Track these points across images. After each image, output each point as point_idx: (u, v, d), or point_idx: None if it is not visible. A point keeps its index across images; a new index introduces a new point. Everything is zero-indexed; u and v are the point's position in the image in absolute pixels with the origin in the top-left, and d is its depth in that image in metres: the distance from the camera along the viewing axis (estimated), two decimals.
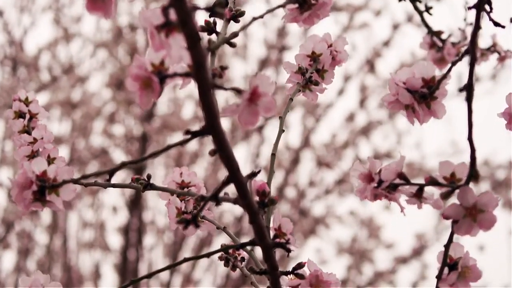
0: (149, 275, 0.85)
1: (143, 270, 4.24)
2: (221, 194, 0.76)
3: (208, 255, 0.84)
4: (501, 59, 1.35)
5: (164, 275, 4.22)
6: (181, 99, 4.11)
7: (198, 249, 4.19)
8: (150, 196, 4.24)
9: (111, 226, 4.30)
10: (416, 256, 4.35)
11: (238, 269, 1.01)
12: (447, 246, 0.81)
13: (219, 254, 1.03)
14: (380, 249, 4.42)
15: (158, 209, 4.33)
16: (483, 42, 1.36)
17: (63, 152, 4.02)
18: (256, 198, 0.82)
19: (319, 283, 0.86)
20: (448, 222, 0.78)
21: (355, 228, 4.44)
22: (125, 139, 4.08)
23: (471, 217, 0.77)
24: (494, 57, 1.36)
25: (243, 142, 4.06)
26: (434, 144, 4.60)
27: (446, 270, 0.82)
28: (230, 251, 1.03)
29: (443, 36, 1.28)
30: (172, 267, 0.84)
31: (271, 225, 0.85)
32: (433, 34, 1.26)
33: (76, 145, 3.99)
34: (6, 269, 3.99)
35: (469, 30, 1.35)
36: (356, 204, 4.42)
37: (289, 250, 0.81)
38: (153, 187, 0.91)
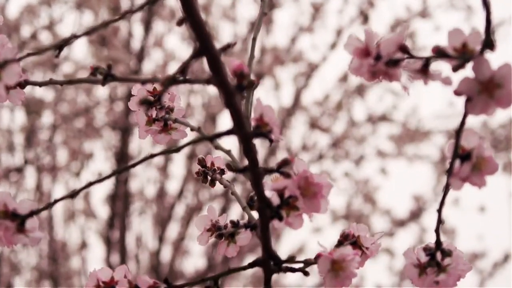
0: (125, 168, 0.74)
1: (130, 241, 4.16)
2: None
3: (179, 149, 0.72)
4: None
5: (153, 244, 4.16)
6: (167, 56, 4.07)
7: (187, 217, 4.11)
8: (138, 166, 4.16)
9: (97, 195, 4.23)
10: (414, 219, 4.27)
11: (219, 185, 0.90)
12: (458, 133, 0.69)
13: (196, 169, 0.93)
14: (377, 215, 4.35)
15: (146, 177, 4.25)
16: None
17: (47, 115, 3.96)
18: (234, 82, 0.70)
19: (309, 185, 0.73)
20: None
21: (350, 192, 4.37)
22: (109, 99, 4.03)
23: (487, 93, 0.65)
24: None
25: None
26: (431, 105, 4.51)
27: (457, 162, 0.70)
28: (208, 164, 0.92)
29: None
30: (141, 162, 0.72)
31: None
32: None
33: (58, 107, 3.93)
34: None
35: None
36: (351, 169, 4.35)
37: (271, 140, 0.70)
38: (114, 78, 0.79)
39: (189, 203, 4.15)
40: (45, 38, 3.84)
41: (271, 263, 0.74)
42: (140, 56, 3.99)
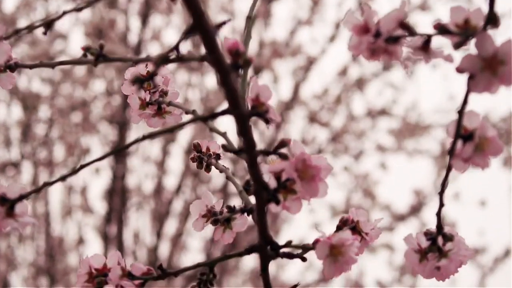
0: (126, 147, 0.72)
1: (128, 236, 4.14)
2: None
3: (173, 129, 0.70)
4: None
5: (151, 240, 4.14)
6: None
7: (185, 212, 4.10)
8: (135, 159, 4.16)
9: (94, 191, 4.22)
10: (414, 213, 4.26)
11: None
12: (460, 112, 0.67)
13: (191, 155, 0.90)
14: (377, 210, 4.34)
15: (144, 173, 4.23)
16: None
17: (44, 110, 3.95)
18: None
19: (307, 168, 0.70)
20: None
21: (349, 187, 4.36)
22: (106, 93, 4.01)
23: (491, 70, 0.63)
24: None
25: None
26: (431, 99, 4.50)
27: (460, 143, 0.67)
28: (204, 149, 0.89)
29: None
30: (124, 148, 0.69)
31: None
32: None
33: (55, 101, 3.92)
34: None
35: None
36: (351, 164, 4.33)
37: (268, 121, 0.67)
38: (106, 59, 0.77)
39: (187, 199, 4.13)
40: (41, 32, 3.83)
41: (268, 249, 0.72)
42: (137, 49, 3.97)
